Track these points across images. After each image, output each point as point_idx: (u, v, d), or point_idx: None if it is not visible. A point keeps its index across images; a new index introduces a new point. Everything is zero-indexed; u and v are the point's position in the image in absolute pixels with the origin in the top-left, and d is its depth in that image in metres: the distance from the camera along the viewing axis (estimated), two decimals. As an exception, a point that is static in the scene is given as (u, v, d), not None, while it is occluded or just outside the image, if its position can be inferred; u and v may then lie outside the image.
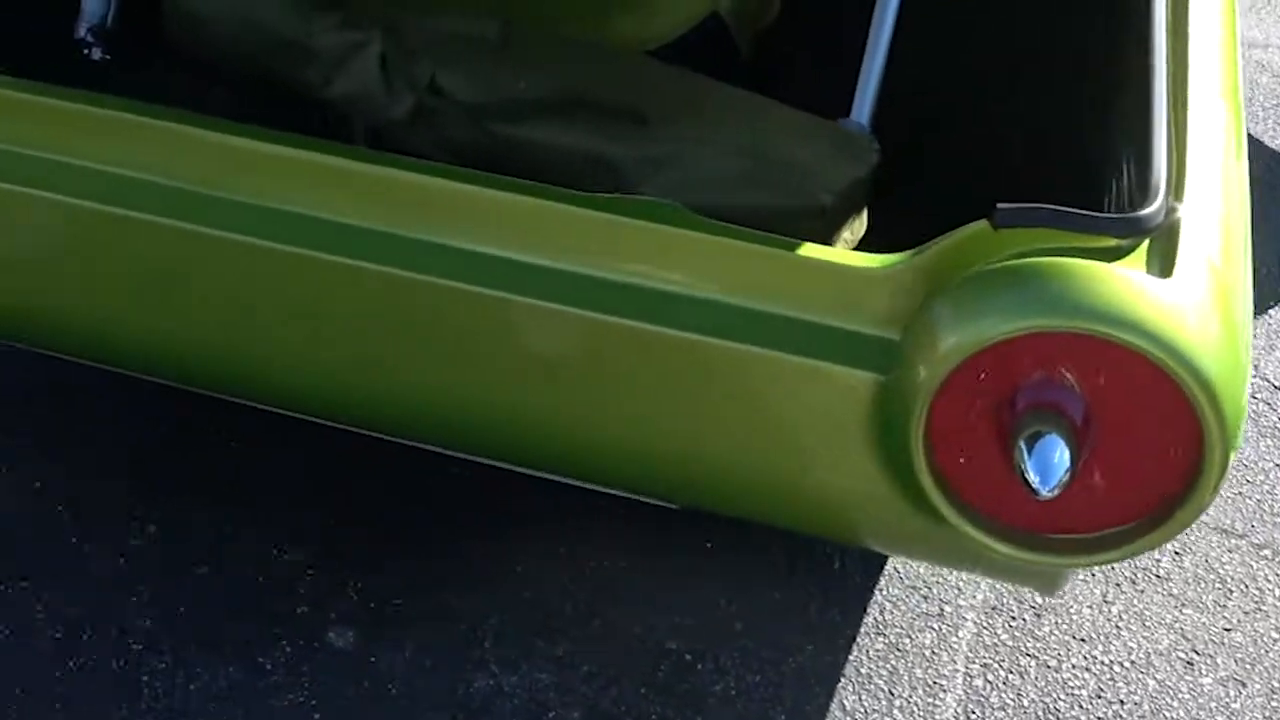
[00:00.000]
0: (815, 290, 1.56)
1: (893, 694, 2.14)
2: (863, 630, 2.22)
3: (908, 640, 2.21)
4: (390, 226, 1.65)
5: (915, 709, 2.12)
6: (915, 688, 2.14)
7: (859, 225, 1.98)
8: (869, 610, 2.25)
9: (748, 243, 1.58)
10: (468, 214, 1.66)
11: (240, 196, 1.69)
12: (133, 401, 2.49)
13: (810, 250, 1.58)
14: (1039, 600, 2.28)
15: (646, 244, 1.62)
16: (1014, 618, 2.26)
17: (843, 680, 2.14)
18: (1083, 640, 2.22)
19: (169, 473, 2.39)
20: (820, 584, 2.28)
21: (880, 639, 2.21)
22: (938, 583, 2.31)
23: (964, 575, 2.32)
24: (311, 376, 1.80)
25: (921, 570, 2.32)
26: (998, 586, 2.30)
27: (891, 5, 2.13)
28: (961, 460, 1.49)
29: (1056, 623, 2.25)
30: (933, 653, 2.19)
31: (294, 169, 1.69)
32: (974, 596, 2.29)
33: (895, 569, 2.32)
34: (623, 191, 1.94)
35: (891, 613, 2.26)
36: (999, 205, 1.47)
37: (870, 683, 2.15)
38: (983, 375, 1.45)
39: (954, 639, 2.22)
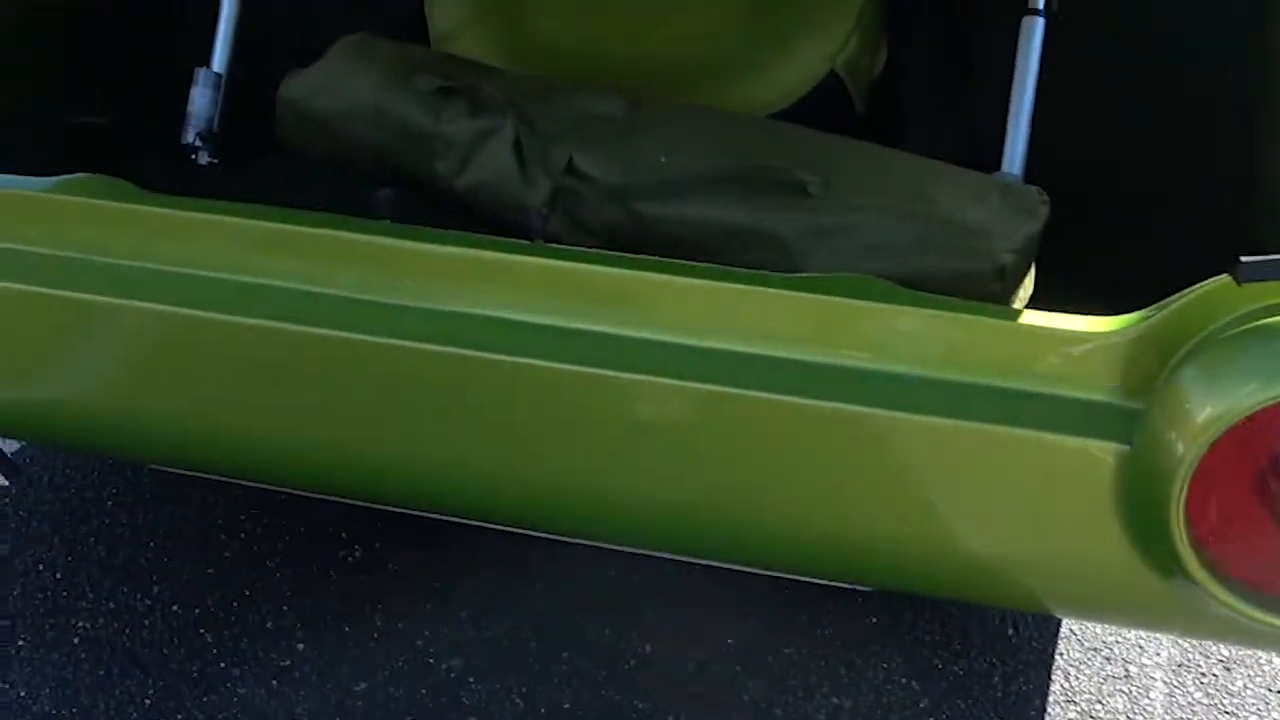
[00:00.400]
0: (1047, 360, 1.48)
1: (1093, 764, 2.05)
2: (1052, 699, 2.13)
3: (1099, 706, 2.12)
4: (594, 325, 1.57)
5: (1119, 778, 2.03)
6: (1115, 756, 2.06)
7: (1029, 282, 1.91)
8: (1054, 677, 2.16)
9: (972, 315, 1.50)
10: (665, 306, 1.58)
11: (421, 302, 1.62)
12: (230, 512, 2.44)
13: (1038, 318, 1.50)
14: (1225, 653, 2.19)
15: (863, 323, 1.54)
16: (1203, 673, 2.17)
17: (1040, 754, 2.06)
18: None
19: (308, 589, 2.32)
20: (999, 653, 2.20)
21: (1072, 707, 2.12)
22: (1117, 642, 2.22)
23: (1144, 633, 2.23)
24: (511, 481, 1.71)
25: (1098, 630, 2.24)
26: (1180, 642, 2.22)
27: (1034, 54, 2.08)
28: (1225, 532, 1.41)
29: (1249, 676, 2.16)
30: (1128, 718, 2.10)
31: (476, 269, 1.62)
32: (1157, 654, 2.20)
33: (1070, 630, 2.24)
34: (791, 266, 1.89)
35: (1077, 678, 2.17)
36: (1242, 259, 1.39)
37: (1068, 754, 2.06)
38: (1244, 442, 1.37)
39: (1147, 701, 2.13)
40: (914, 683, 2.15)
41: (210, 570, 2.35)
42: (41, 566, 2.35)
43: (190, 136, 2.30)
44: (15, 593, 2.30)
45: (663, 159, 2.01)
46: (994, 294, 1.80)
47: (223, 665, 2.18)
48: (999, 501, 1.54)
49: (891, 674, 2.16)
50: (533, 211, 2.02)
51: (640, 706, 2.11)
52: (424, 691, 2.14)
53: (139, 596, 2.30)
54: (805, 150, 2.02)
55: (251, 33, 2.37)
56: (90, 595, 2.30)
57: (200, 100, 2.31)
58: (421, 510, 1.91)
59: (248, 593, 2.30)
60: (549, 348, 1.56)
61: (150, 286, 1.67)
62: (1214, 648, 2.21)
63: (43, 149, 2.12)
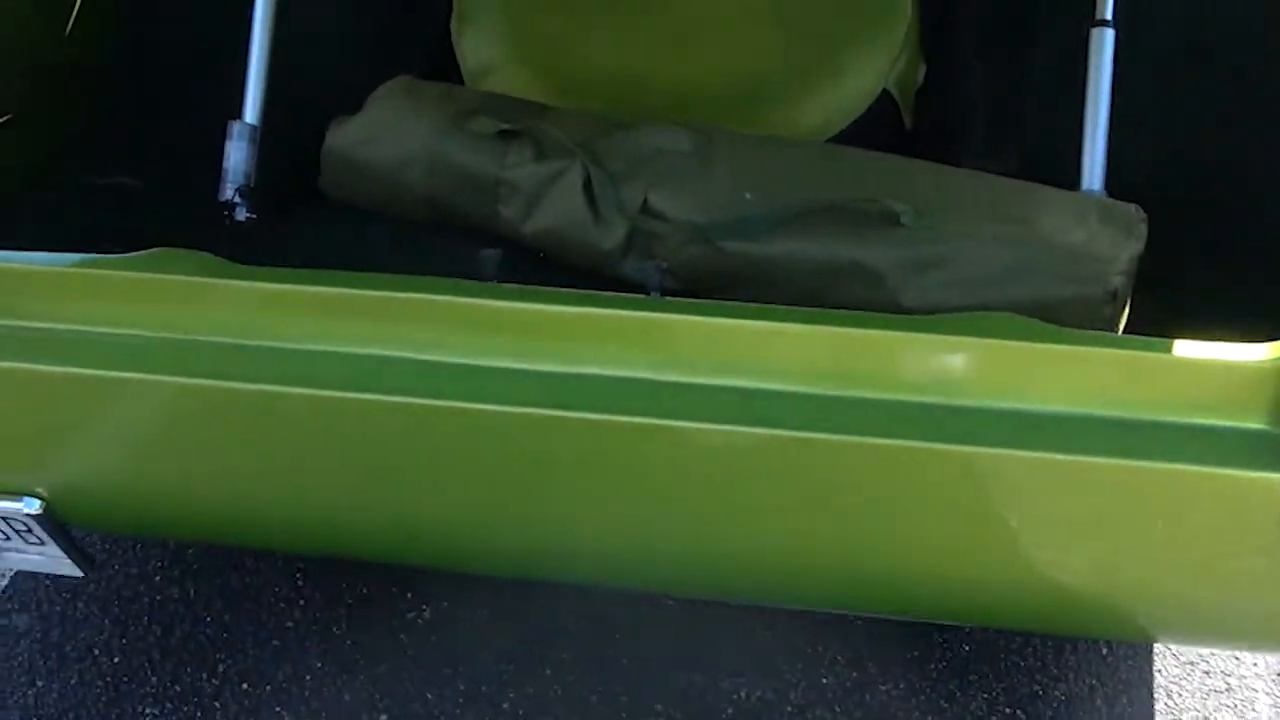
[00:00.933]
0: (1212, 391, 1.44)
1: (1209, 782, 2.03)
2: (1158, 717, 2.10)
3: (1207, 722, 2.10)
4: (750, 382, 1.50)
5: (1236, 795, 2.01)
6: (1229, 772, 2.04)
7: (1127, 302, 1.88)
8: (1156, 695, 2.13)
9: (1126, 350, 1.46)
10: (813, 357, 1.52)
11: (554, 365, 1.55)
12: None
13: (1194, 350, 1.46)
14: (1321, 659, 2.18)
15: (1013, 364, 1.49)
16: (1303, 681, 2.16)
17: (1154, 775, 2.03)
18: (1381, 695, 2.13)
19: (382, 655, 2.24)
20: (1096, 674, 2.16)
21: (1180, 726, 2.10)
22: (1213, 655, 2.20)
23: (1237, 642, 2.21)
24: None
25: (1190, 643, 2.21)
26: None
27: (1106, 65, 2.05)
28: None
29: (1349, 680, 2.15)
30: (1237, 732, 2.09)
31: (616, 329, 1.55)
32: (1255, 664, 2.18)
33: (1163, 647, 2.21)
34: (888, 299, 1.84)
35: (1180, 694, 2.14)
36: None
37: (1182, 774, 2.03)
38: None
39: (1253, 714, 2.11)
40: (1019, 711, 2.11)
41: (275, 642, 2.25)
42: (96, 651, 2.24)
43: (229, 193, 2.21)
44: (73, 681, 2.19)
45: (747, 195, 1.96)
46: (1105, 319, 1.76)
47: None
48: (1169, 539, 1.50)
49: (994, 704, 2.12)
50: (649, 267, 1.93)
51: (745, 756, 2.06)
52: (520, 757, 2.07)
53: (205, 676, 2.19)
54: (889, 178, 1.96)
55: (281, 81, 2.28)
56: (153, 679, 2.19)
57: (236, 154, 2.22)
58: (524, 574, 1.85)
59: (319, 664, 2.21)
60: (705, 408, 1.50)
61: (267, 364, 1.59)
62: (1309, 654, 2.19)
63: (74, 213, 2.00)
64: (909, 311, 1.80)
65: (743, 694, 2.15)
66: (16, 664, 2.22)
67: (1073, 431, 1.45)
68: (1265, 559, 1.46)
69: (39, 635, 2.27)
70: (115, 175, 2.33)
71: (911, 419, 1.48)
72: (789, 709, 2.12)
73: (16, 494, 1.72)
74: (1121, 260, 1.79)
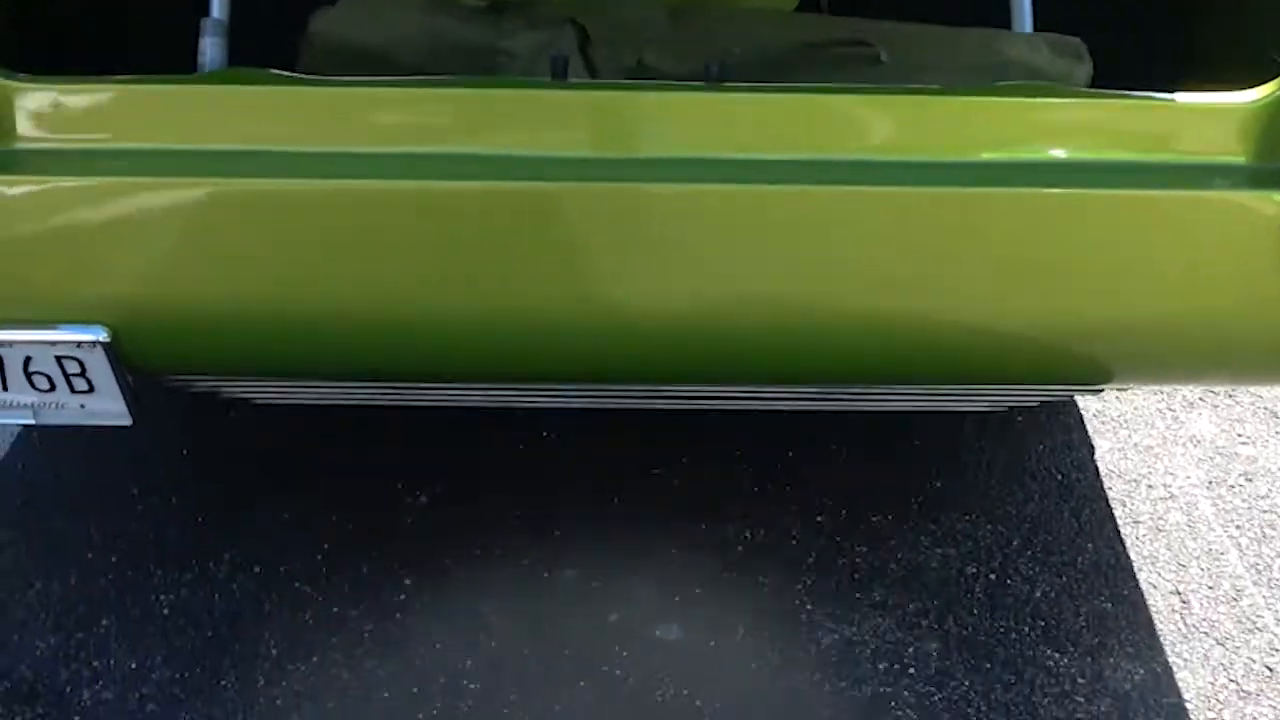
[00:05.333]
0: (1202, 133, 1.66)
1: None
2: (1120, 522, 2.32)
3: (1163, 521, 2.32)
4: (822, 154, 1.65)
5: None
6: None
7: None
8: (1113, 506, 2.35)
9: (1133, 100, 1.66)
10: (863, 125, 1.68)
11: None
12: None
13: (1192, 99, 1.68)
14: (1242, 467, 2.44)
15: (1040, 118, 1.68)
16: (1231, 485, 2.41)
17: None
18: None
19: (386, 533, 2.26)
20: (1058, 492, 2.37)
21: (1140, 525, 2.31)
22: (1151, 471, 2.43)
23: (1169, 461, 2.45)
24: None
25: (1128, 464, 2.44)
26: (1203, 463, 2.45)
27: None
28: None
29: (1271, 483, 2.42)
30: (1189, 528, 2.31)
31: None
32: (1188, 477, 2.43)
33: (1109, 470, 2.43)
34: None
35: (1132, 503, 2.36)
36: None
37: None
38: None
39: (1197, 513, 2.35)
40: (999, 526, 2.29)
41: (277, 534, 2.23)
42: (91, 553, 2.17)
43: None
44: (72, 580, 2.12)
45: (735, 50, 2.11)
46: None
47: (336, 609, 2.08)
48: (1176, 262, 1.70)
49: (976, 523, 2.29)
50: None
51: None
52: (553, 600, 2.11)
53: (212, 565, 2.15)
54: (860, 30, 2.16)
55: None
56: (159, 572, 2.14)
57: (212, 51, 2.22)
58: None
59: (327, 546, 2.20)
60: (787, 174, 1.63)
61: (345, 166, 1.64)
62: (1231, 463, 2.45)
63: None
64: None
65: (747, 535, 2.25)
66: (4, 570, 2.13)
67: (1090, 171, 1.65)
68: (1256, 280, 1.67)
69: (23, 544, 2.18)
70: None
71: (941, 172, 1.66)
72: (793, 542, 2.24)
73: (83, 323, 1.70)
74: (1079, 77, 2.02)
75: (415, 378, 1.95)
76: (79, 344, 1.70)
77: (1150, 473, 2.44)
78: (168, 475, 2.35)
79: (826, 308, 1.73)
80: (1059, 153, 1.67)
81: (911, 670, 2.00)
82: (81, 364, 1.74)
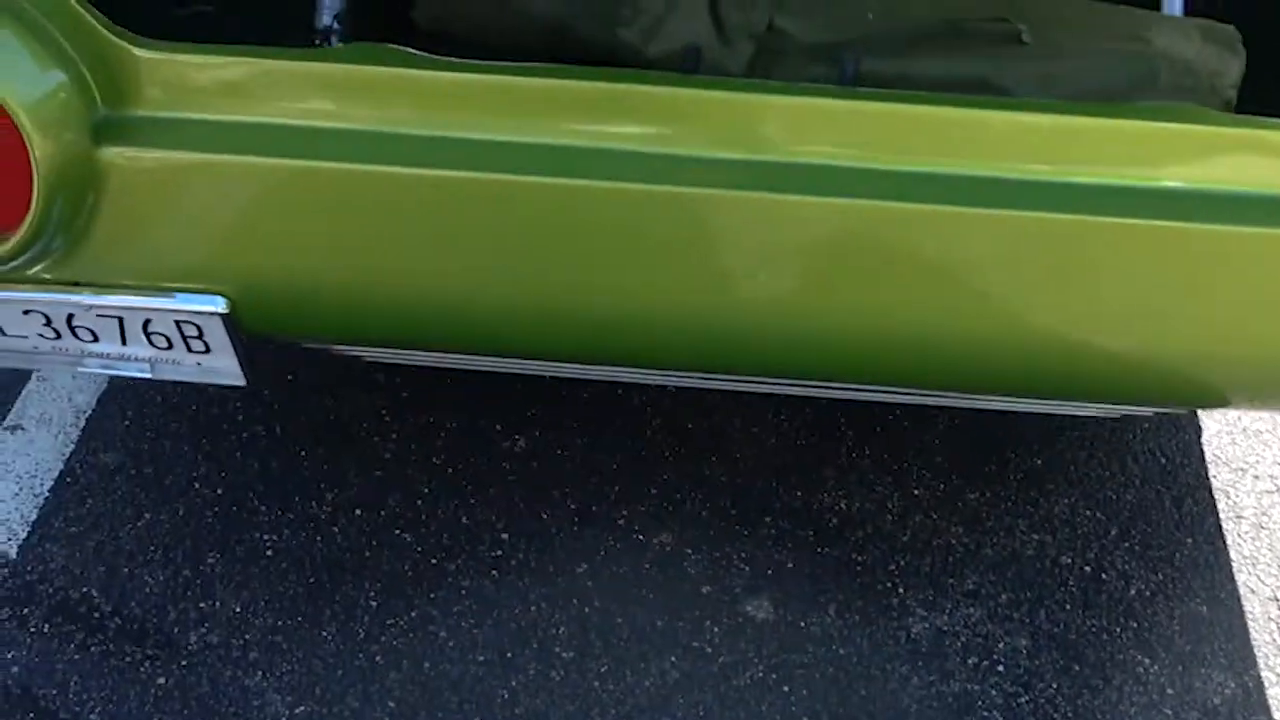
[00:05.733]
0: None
1: None
2: (1222, 515, 2.28)
3: (1266, 517, 2.29)
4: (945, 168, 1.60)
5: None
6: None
7: (1226, 114, 2.01)
8: (1216, 498, 2.32)
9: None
10: (1004, 141, 1.62)
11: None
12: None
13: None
14: (1351, 462, 2.39)
15: (1183, 146, 1.61)
16: (1340, 481, 2.37)
17: None
18: None
19: (488, 481, 2.28)
20: (1159, 479, 2.34)
21: (1243, 521, 2.28)
22: (1260, 460, 2.39)
23: None
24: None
25: (1239, 452, 2.40)
26: (1311, 455, 2.41)
27: None
28: None
29: (1381, 479, 2.37)
30: (1293, 525, 2.29)
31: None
32: (1296, 468, 2.39)
33: (1214, 455, 2.39)
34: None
35: (1236, 495, 2.33)
36: None
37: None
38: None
39: (1304, 510, 2.32)
40: (1098, 513, 2.26)
41: (377, 473, 2.26)
42: (198, 484, 2.22)
43: (327, 19, 2.18)
44: (181, 512, 2.17)
45: (869, 16, 2.03)
46: (1224, 129, 1.90)
47: (434, 561, 2.12)
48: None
49: (1075, 507, 2.27)
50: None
51: (858, 560, 2.16)
52: (647, 566, 2.13)
53: (314, 505, 2.20)
54: (1003, 1, 2.06)
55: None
56: (262, 509, 2.19)
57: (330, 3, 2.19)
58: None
59: (426, 490, 2.23)
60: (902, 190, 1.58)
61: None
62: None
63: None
64: None
65: (843, 505, 2.25)
66: (117, 498, 2.19)
67: (1247, 206, 1.58)
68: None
69: (132, 471, 2.24)
70: (191, 4, 2.28)
71: (1100, 198, 1.59)
72: (889, 517, 2.24)
73: (204, 292, 1.71)
74: (1232, 73, 1.92)
75: (524, 356, 1.95)
76: (197, 313, 1.72)
77: (1258, 461, 2.40)
78: (272, 401, 2.39)
79: (957, 324, 1.70)
80: (1198, 184, 1.61)
81: (1000, 668, 2.01)
82: (199, 328, 1.75)
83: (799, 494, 2.27)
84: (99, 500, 2.18)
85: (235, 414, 2.36)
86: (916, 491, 2.29)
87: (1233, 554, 2.22)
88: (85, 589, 2.05)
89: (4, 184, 1.57)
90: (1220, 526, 2.26)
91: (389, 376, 2.44)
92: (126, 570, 2.08)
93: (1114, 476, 2.35)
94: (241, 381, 1.82)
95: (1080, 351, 1.70)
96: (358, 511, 2.20)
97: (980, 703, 1.96)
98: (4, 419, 2.33)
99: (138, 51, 1.62)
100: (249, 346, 1.79)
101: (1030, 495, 2.30)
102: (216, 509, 2.18)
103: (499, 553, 2.14)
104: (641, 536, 2.18)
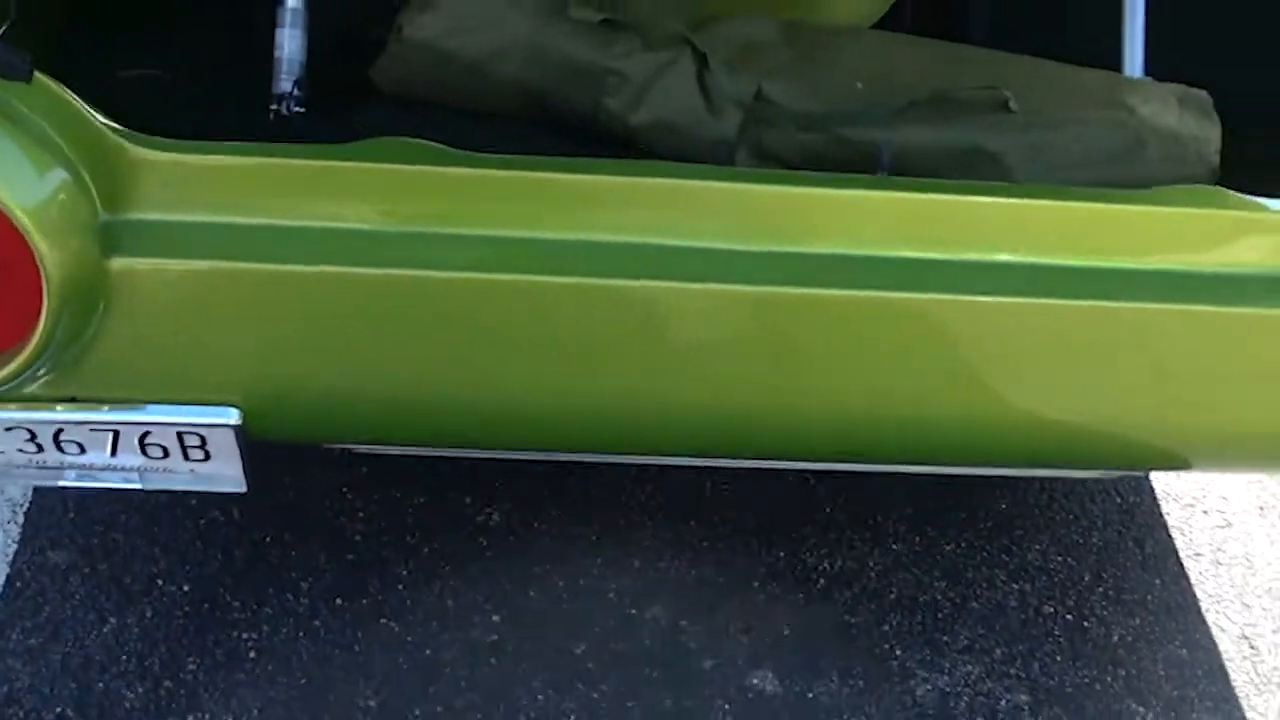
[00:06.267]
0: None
1: None
2: (1182, 554, 2.36)
3: (1221, 553, 2.38)
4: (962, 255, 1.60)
5: None
6: None
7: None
8: (1173, 534, 2.40)
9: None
10: (1020, 228, 1.62)
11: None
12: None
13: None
14: (1287, 492, 2.50)
15: (1211, 230, 1.64)
16: (1280, 512, 2.47)
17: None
18: None
19: (462, 558, 2.21)
20: (1120, 521, 2.41)
21: (1201, 559, 2.37)
22: (1205, 496, 2.48)
23: (1222, 481, 2.50)
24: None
25: (1185, 487, 2.49)
26: (1251, 486, 2.50)
27: None
28: None
29: (1317, 508, 2.49)
30: (1246, 560, 2.37)
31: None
32: (1240, 500, 2.48)
33: (1164, 490, 2.47)
34: (1006, 179, 1.96)
35: (1190, 532, 2.41)
36: None
37: None
38: None
39: (1253, 543, 2.41)
40: (1068, 558, 2.32)
41: (350, 556, 2.16)
42: (160, 581, 2.09)
43: (287, 85, 2.07)
44: (149, 614, 2.03)
45: (859, 85, 2.03)
46: (1208, 199, 1.95)
47: (428, 652, 2.03)
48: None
49: (1046, 553, 2.32)
50: (719, 145, 1.99)
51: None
52: (647, 643, 2.09)
53: (291, 597, 2.09)
54: (981, 66, 2.08)
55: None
56: (236, 605, 2.06)
57: (291, 42, 2.08)
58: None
59: (405, 572, 2.14)
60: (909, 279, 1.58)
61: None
62: None
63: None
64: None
65: (826, 564, 2.25)
66: (76, 602, 2.04)
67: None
68: None
69: (86, 569, 2.09)
70: (139, 68, 2.14)
71: (1121, 284, 1.62)
72: (873, 574, 2.24)
73: (215, 404, 1.60)
74: (1214, 140, 1.97)
75: (537, 449, 1.90)
76: (207, 425, 1.61)
77: (1205, 495, 2.49)
78: (224, 483, 2.26)
79: (971, 409, 1.70)
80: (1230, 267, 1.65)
81: (1007, 727, 2.04)
82: (203, 438, 1.64)
83: (781, 554, 2.26)
84: (56, 606, 2.03)
85: (186, 499, 2.22)
86: (895, 546, 2.30)
87: (1198, 592, 2.30)
88: (59, 709, 1.90)
89: (7, 297, 1.45)
90: (1182, 565, 2.34)
91: (344, 450, 2.34)
92: (101, 685, 1.94)
93: (1077, 519, 2.40)
94: (241, 488, 1.71)
95: (1091, 426, 1.73)
96: (338, 601, 2.09)
97: (994, 767, 2.00)
98: (-67, 520, 2.16)
99: (138, 150, 1.50)
100: (253, 452, 1.69)
101: (1003, 543, 2.33)
102: (186, 608, 2.06)
103: (494, 637, 2.07)
104: (634, 611, 2.14)
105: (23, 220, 1.37)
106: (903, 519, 2.35)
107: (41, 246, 1.38)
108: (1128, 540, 2.38)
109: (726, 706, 2.01)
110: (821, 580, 2.23)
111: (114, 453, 1.67)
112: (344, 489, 2.27)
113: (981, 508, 2.39)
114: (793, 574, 2.23)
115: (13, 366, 1.46)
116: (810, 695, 2.04)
